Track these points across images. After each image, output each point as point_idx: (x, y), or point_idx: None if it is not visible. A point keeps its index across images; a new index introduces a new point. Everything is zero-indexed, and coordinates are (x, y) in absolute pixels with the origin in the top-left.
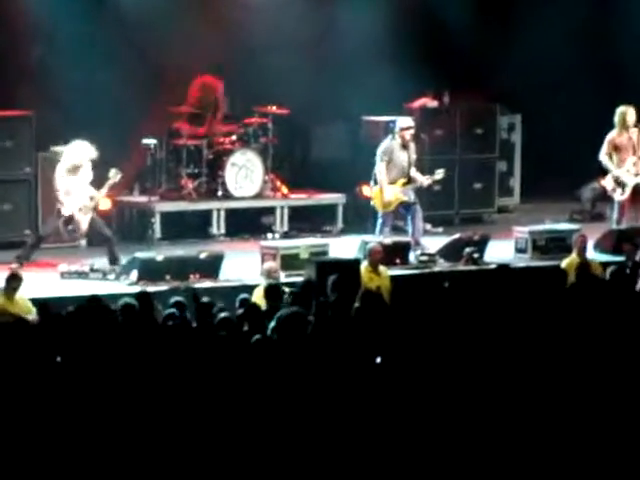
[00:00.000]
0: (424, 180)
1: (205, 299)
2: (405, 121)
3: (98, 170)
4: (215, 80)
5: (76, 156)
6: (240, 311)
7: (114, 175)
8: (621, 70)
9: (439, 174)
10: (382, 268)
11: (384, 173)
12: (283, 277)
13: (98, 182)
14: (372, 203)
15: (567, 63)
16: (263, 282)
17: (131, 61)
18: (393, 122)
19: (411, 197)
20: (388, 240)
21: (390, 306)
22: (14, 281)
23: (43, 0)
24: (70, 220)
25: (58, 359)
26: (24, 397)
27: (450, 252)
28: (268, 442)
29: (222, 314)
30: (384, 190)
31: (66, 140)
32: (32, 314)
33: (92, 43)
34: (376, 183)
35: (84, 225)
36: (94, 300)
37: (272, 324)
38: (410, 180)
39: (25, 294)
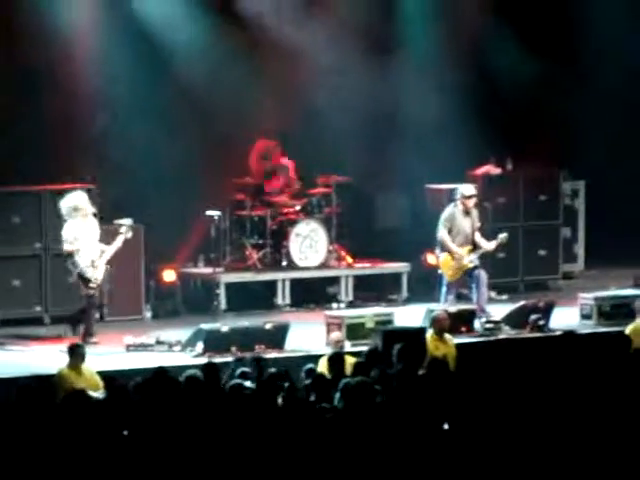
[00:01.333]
0: (488, 245)
1: (272, 370)
2: (467, 188)
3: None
4: (274, 143)
5: (77, 201)
6: (307, 381)
7: (126, 231)
8: None
9: (502, 238)
10: (448, 336)
11: (449, 239)
12: (349, 347)
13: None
14: (440, 271)
15: (630, 129)
16: (328, 352)
17: (194, 132)
18: (456, 190)
19: (477, 264)
20: (453, 308)
21: (456, 373)
22: (77, 352)
23: (108, 68)
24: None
25: (125, 432)
26: (92, 471)
27: (515, 319)
28: None
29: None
30: (457, 253)
31: (128, 213)
32: (99, 387)
33: (156, 112)
34: (442, 250)
35: (99, 276)
36: (161, 372)
37: (338, 393)
38: (475, 247)
39: (92, 367)
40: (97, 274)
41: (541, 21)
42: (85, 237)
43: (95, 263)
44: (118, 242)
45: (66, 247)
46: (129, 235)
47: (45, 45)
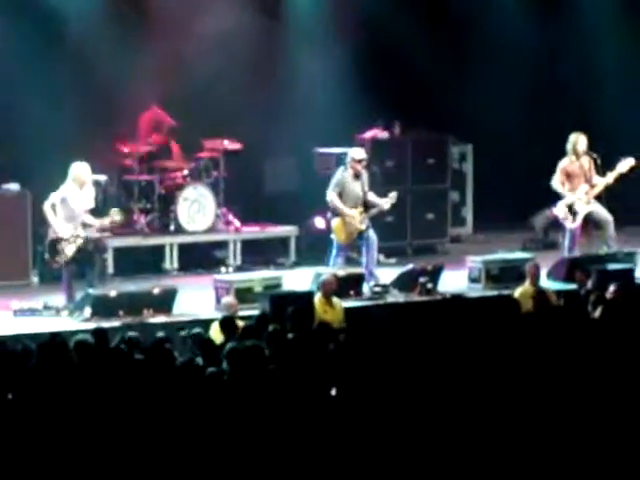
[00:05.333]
0: (383, 203)
1: (160, 334)
2: (357, 152)
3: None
4: (164, 113)
5: (82, 173)
6: (194, 346)
7: (115, 213)
8: (571, 95)
9: (393, 196)
10: (336, 300)
11: (340, 202)
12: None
13: None
14: (332, 235)
15: (516, 91)
16: (220, 316)
17: (81, 96)
18: (345, 154)
19: (369, 225)
20: (342, 271)
21: (345, 338)
22: None
23: None
24: (57, 243)
25: (9, 396)
26: None
27: (404, 283)
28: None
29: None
30: (350, 215)
31: (16, 178)
32: None
33: (42, 78)
34: (334, 214)
35: (69, 252)
36: (53, 337)
37: (225, 358)
38: (367, 208)
39: None
40: (68, 250)
41: None
42: (74, 205)
43: (72, 239)
44: (105, 222)
45: (45, 206)
46: (117, 218)
47: None
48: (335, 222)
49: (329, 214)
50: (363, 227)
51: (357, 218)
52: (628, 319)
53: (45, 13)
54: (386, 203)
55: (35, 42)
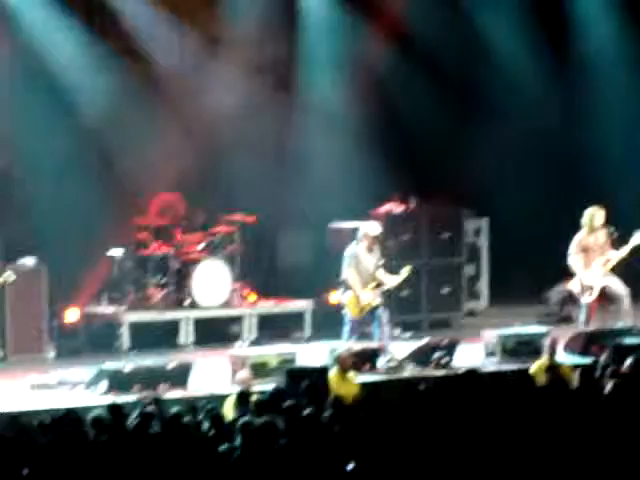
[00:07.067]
0: (393, 280)
1: (174, 409)
2: (371, 227)
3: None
4: (175, 197)
5: None
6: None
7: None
8: (589, 168)
9: (406, 272)
10: (351, 374)
11: (355, 278)
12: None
13: None
14: (345, 310)
15: (531, 165)
16: (235, 391)
17: (97, 171)
18: (359, 228)
19: (380, 302)
20: (356, 346)
21: (361, 413)
22: None
23: (6, 111)
24: None
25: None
26: None
27: (419, 357)
28: None
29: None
30: (359, 295)
31: (32, 252)
32: None
33: (58, 153)
34: (346, 289)
35: None
36: (69, 413)
37: (239, 434)
38: (378, 284)
39: None
40: None
41: (446, 58)
42: None
43: None
44: None
45: None
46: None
47: None
48: (347, 297)
49: (342, 289)
50: (374, 303)
51: (368, 294)
52: None
53: (62, 91)
54: (395, 280)
55: (51, 118)
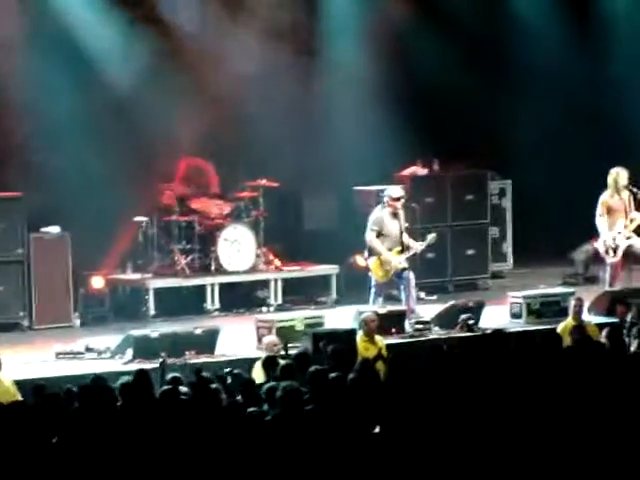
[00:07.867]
0: (417, 246)
1: (205, 374)
2: (395, 190)
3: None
4: (203, 162)
5: None
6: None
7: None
8: (612, 129)
9: (431, 238)
10: (378, 337)
11: (379, 242)
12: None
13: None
14: (370, 274)
15: (554, 126)
16: (262, 355)
17: (120, 138)
18: (383, 191)
19: (406, 265)
20: (383, 309)
21: (388, 375)
22: None
23: (30, 78)
24: None
25: (53, 440)
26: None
27: (445, 319)
28: None
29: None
30: (387, 257)
31: (55, 221)
32: (16, 398)
33: (82, 119)
34: (370, 254)
35: None
36: (98, 380)
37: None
38: (404, 248)
39: (11, 377)
40: None
41: (468, 19)
42: None
43: None
44: None
45: None
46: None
47: None
48: (372, 261)
49: (366, 253)
50: (400, 266)
51: (394, 258)
52: None
53: (84, 60)
54: (420, 246)
55: (78, 87)
